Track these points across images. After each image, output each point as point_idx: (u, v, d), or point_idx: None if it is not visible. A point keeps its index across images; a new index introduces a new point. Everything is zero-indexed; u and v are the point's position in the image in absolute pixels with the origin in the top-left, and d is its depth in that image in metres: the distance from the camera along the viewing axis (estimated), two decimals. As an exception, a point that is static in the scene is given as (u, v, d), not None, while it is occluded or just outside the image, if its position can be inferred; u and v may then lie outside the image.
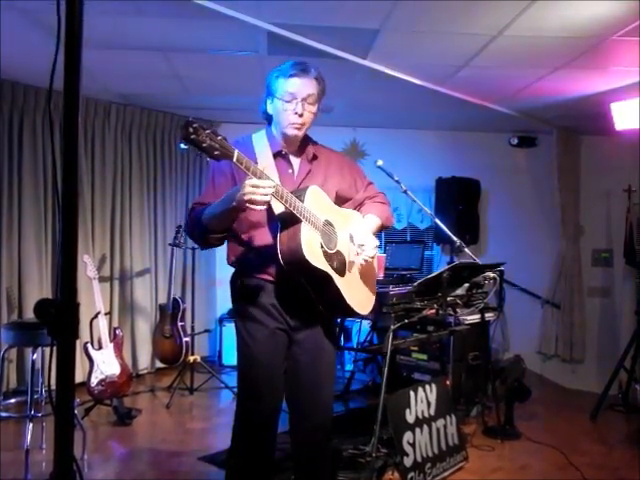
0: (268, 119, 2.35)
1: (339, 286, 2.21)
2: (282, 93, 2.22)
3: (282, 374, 2.33)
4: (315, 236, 2.14)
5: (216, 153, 1.82)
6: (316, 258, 2.10)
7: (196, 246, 5.12)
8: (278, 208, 2.12)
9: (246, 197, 1.91)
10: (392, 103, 5.29)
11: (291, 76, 2.22)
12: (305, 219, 2.08)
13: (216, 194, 2.20)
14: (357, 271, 2.37)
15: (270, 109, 2.29)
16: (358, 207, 2.49)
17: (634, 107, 4.48)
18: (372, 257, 2.32)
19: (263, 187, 1.92)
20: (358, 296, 2.35)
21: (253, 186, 1.91)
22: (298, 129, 2.26)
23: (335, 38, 3.69)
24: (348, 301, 2.26)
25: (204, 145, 1.79)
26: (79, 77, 1.19)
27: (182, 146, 1.81)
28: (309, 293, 2.23)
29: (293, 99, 2.22)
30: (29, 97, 4.75)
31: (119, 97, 5.27)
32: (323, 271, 2.13)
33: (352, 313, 2.36)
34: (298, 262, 2.07)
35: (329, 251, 2.20)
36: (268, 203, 1.98)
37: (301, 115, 2.23)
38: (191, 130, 1.75)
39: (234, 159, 1.88)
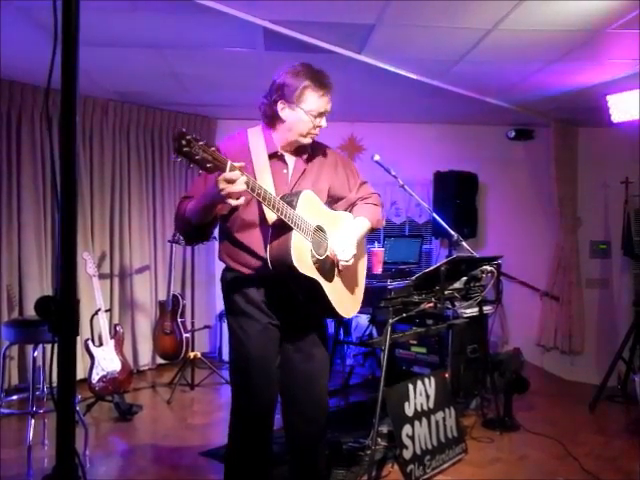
0: (271, 121, 2.31)
1: (327, 292, 2.23)
2: (312, 108, 2.22)
3: (276, 368, 2.34)
4: (305, 244, 2.15)
5: (208, 166, 1.81)
6: (305, 266, 2.12)
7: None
8: (271, 217, 2.14)
9: (223, 193, 1.90)
10: (389, 97, 5.29)
11: (324, 94, 2.24)
12: (296, 227, 2.09)
13: (206, 189, 2.19)
14: (345, 275, 2.38)
15: (284, 114, 2.24)
16: (350, 208, 2.50)
17: (630, 99, 4.49)
18: (347, 261, 2.28)
19: (235, 181, 1.89)
20: (344, 300, 2.37)
21: (226, 180, 1.89)
22: (313, 138, 2.32)
23: (330, 33, 3.69)
24: (335, 306, 2.28)
25: (197, 158, 1.76)
26: (76, 75, 1.20)
27: (173, 158, 1.77)
28: (298, 296, 2.25)
29: (320, 115, 2.26)
30: (27, 96, 4.75)
31: (116, 95, 5.27)
32: (311, 278, 2.15)
33: (338, 316, 2.38)
34: (287, 270, 2.09)
35: (318, 257, 2.21)
36: (241, 195, 1.96)
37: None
38: (184, 142, 1.73)
39: (227, 171, 1.87)
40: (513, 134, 6.29)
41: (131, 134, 5.58)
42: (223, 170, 1.85)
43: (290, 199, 2.13)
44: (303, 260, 2.12)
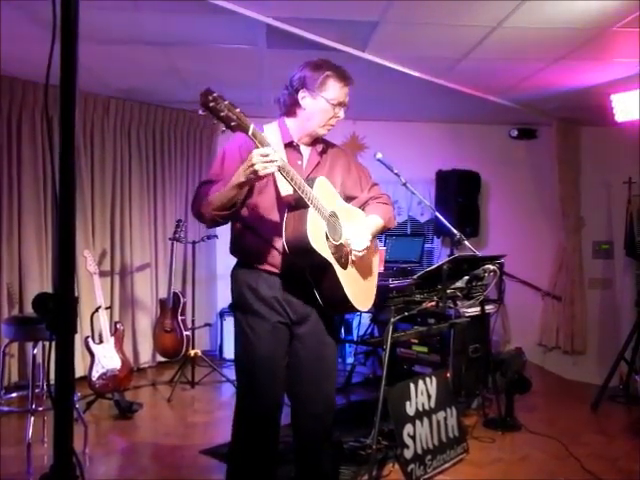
0: (290, 109, 2.32)
1: (340, 278, 2.20)
2: (333, 97, 2.26)
3: (284, 368, 2.32)
4: (321, 224, 2.15)
5: (233, 124, 1.85)
6: (320, 245, 2.11)
7: (196, 240, 5.15)
8: (286, 191, 2.14)
9: (256, 166, 1.93)
10: (392, 95, 5.27)
11: (346, 85, 2.29)
12: (313, 205, 2.09)
13: (224, 174, 2.20)
14: (359, 267, 2.36)
15: (305, 103, 2.26)
16: (362, 207, 2.50)
17: (634, 99, 4.47)
18: (360, 252, 2.29)
19: (270, 155, 1.93)
20: (358, 291, 2.35)
21: (262, 155, 1.93)
22: (329, 130, 2.34)
23: (334, 31, 3.68)
24: (348, 295, 2.25)
25: (222, 114, 1.82)
26: (75, 72, 1.19)
27: (200, 112, 1.82)
28: (310, 284, 2.22)
29: (339, 105, 2.29)
30: (27, 92, 4.73)
31: (118, 92, 5.26)
32: (325, 259, 2.13)
33: (351, 308, 2.34)
34: (302, 247, 2.07)
35: (333, 242, 2.20)
36: (274, 171, 1.99)
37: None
38: (210, 98, 1.79)
39: (250, 132, 1.90)
40: (516, 133, 6.29)
41: (132, 132, 5.57)
42: (246, 131, 1.89)
43: (307, 182, 2.14)
44: (318, 240, 2.11)
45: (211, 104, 1.79)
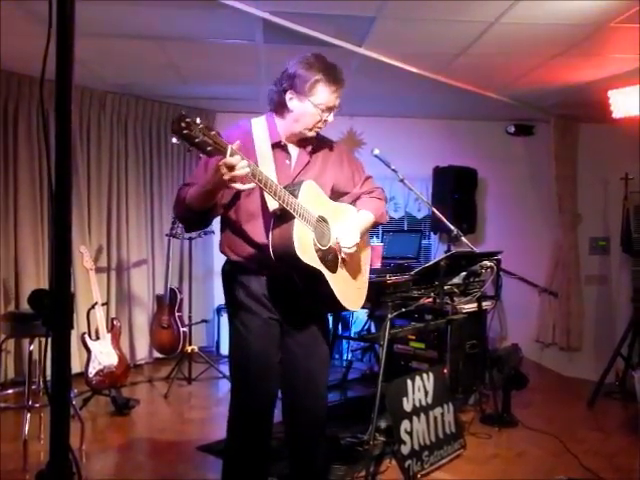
0: (278, 109, 2.28)
1: (330, 283, 2.20)
2: (321, 102, 2.19)
3: (277, 363, 2.32)
4: (308, 233, 2.13)
5: (209, 149, 1.76)
6: (307, 255, 2.09)
7: (193, 236, 5.14)
8: (272, 204, 2.10)
9: (225, 177, 1.87)
10: (389, 91, 5.27)
11: (335, 90, 2.20)
12: (298, 215, 2.06)
13: (208, 175, 2.15)
14: (349, 266, 2.36)
15: (292, 104, 2.21)
16: (354, 201, 2.48)
17: (632, 95, 4.46)
18: (350, 249, 2.26)
19: (236, 166, 1.85)
20: (349, 292, 2.35)
21: (228, 167, 1.85)
22: (317, 131, 2.29)
23: (331, 26, 3.67)
24: (339, 297, 2.25)
25: (196, 140, 1.72)
26: (72, 66, 1.18)
27: (174, 140, 1.73)
28: (300, 289, 2.22)
29: (328, 110, 2.23)
30: (23, 87, 4.71)
31: (115, 87, 5.24)
32: (314, 268, 2.12)
33: (342, 309, 2.34)
34: (289, 259, 2.06)
35: (321, 247, 2.19)
36: (244, 181, 1.92)
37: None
38: (183, 125, 1.68)
39: (227, 155, 1.82)
40: (513, 129, 6.28)
41: (129, 126, 5.55)
42: (223, 154, 1.81)
43: (292, 189, 2.10)
44: (306, 250, 2.09)
45: (185, 131, 1.68)
